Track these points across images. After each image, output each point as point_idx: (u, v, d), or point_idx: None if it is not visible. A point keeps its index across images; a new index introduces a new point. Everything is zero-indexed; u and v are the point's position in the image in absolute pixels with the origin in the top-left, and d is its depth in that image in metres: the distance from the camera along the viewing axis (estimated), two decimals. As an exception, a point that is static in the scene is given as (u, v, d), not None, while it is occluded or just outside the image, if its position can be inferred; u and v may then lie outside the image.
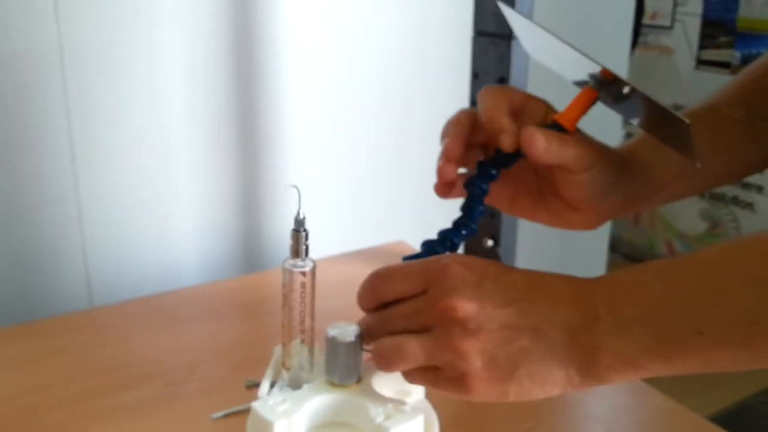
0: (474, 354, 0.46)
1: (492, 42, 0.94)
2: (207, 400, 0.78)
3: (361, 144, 1.27)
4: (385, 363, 0.49)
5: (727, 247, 0.46)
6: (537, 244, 1.47)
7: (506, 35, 0.93)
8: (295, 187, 0.51)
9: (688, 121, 0.51)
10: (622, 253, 3.28)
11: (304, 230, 0.50)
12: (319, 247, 1.22)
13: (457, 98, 1.04)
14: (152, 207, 1.10)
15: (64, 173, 1.02)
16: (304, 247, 0.50)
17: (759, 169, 0.69)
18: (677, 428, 0.78)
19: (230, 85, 1.12)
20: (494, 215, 1.04)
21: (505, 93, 0.60)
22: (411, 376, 0.50)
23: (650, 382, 0.83)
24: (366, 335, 0.51)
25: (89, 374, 0.83)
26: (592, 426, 0.78)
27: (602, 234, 1.83)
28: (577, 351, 0.46)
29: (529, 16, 0.59)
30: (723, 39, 2.84)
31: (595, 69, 0.57)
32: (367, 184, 1.29)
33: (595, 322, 0.46)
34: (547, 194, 0.62)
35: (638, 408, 0.81)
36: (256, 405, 0.48)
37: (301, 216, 0.51)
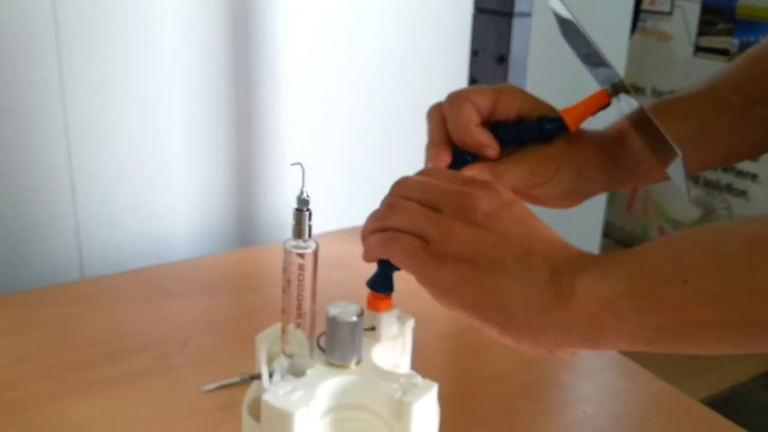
0: (465, 240, 0.46)
1: (492, 19, 0.93)
2: (198, 373, 0.78)
3: (359, 121, 1.26)
4: (377, 215, 0.50)
5: (729, 220, 0.46)
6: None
7: (507, 13, 0.92)
8: (300, 164, 0.48)
9: (680, 155, 0.52)
10: (614, 238, 3.29)
11: (308, 210, 0.48)
12: (316, 223, 1.22)
13: (456, 76, 1.04)
14: (145, 179, 1.09)
15: (58, 145, 1.01)
16: (307, 227, 0.48)
17: (753, 155, 0.68)
18: (669, 410, 0.78)
19: (227, 57, 1.10)
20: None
21: (471, 103, 0.58)
22: (387, 237, 0.49)
23: (643, 364, 0.83)
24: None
25: (78, 346, 0.83)
26: (585, 407, 0.78)
27: (595, 219, 1.83)
28: (553, 288, 0.45)
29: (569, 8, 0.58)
30: (722, 26, 2.83)
31: (616, 77, 0.58)
32: (364, 161, 1.28)
33: (582, 268, 0.45)
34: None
35: (631, 390, 0.81)
36: (268, 398, 0.45)
37: (305, 195, 0.47)
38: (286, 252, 0.48)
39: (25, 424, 0.70)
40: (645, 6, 3.08)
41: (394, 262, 0.50)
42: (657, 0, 3.06)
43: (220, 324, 0.89)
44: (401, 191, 0.51)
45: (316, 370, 0.50)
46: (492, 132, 0.59)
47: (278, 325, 0.51)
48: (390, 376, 0.48)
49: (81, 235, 1.06)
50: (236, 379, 0.52)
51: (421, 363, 0.84)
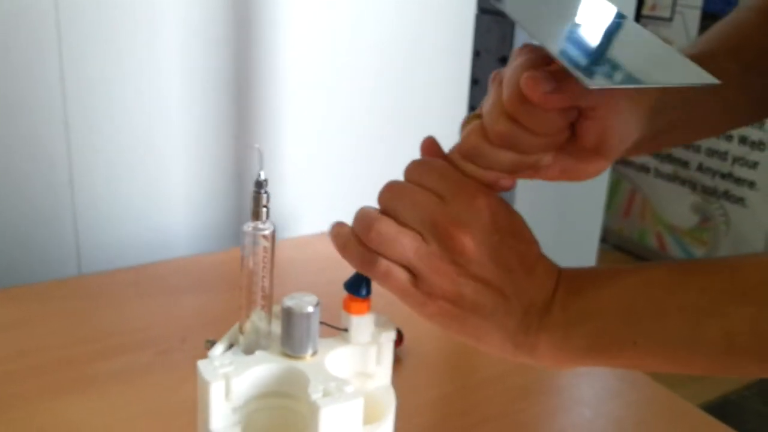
0: (450, 282, 0.48)
1: (495, 20, 0.93)
2: (196, 369, 0.77)
3: (360, 121, 1.26)
4: (372, 240, 0.49)
5: (677, 269, 0.48)
6: (531, 224, 1.46)
7: (510, 14, 0.91)
8: (258, 148, 0.50)
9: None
10: (612, 243, 3.29)
11: (265, 192, 0.50)
12: (313, 223, 1.22)
13: (458, 77, 1.04)
14: (145, 176, 1.09)
15: (57, 138, 1.01)
16: (264, 209, 0.50)
17: (744, 124, 0.70)
18: (667, 414, 0.78)
19: (228, 56, 1.10)
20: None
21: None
22: (383, 268, 0.49)
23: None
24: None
25: (76, 341, 0.82)
26: (582, 409, 0.77)
27: (594, 225, 1.83)
28: (524, 329, 0.49)
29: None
30: (722, 33, 2.84)
31: None
32: (364, 162, 1.28)
33: (548, 311, 0.49)
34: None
35: (628, 393, 0.81)
36: (201, 364, 0.47)
37: (262, 177, 0.50)
38: (245, 234, 0.50)
39: (22, 419, 0.70)
40: (645, 12, 3.09)
41: (382, 286, 0.51)
42: (658, 6, 3.07)
43: (218, 320, 0.88)
44: (390, 204, 0.51)
45: (265, 353, 0.50)
46: None
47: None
48: (326, 377, 0.47)
49: (79, 230, 1.05)
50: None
51: (418, 363, 0.85)
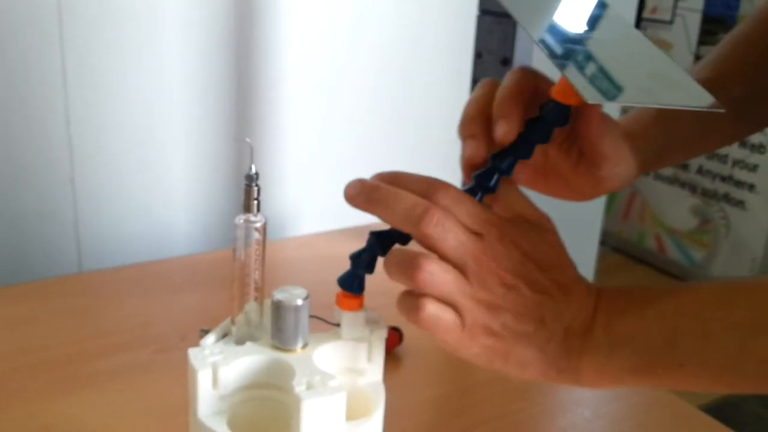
0: (491, 316, 0.48)
1: (497, 22, 0.94)
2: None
3: (360, 121, 1.26)
4: (419, 279, 0.47)
5: (720, 288, 0.48)
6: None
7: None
8: (248, 141, 0.51)
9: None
10: (611, 246, 3.29)
11: (256, 185, 0.51)
12: (313, 223, 1.22)
13: (459, 78, 1.04)
14: (146, 174, 1.09)
15: (59, 136, 1.01)
16: (255, 202, 0.51)
17: (738, 140, 0.71)
18: (667, 416, 0.78)
19: (228, 56, 1.10)
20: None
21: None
22: (431, 311, 0.48)
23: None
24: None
25: (76, 338, 0.82)
26: (581, 410, 0.78)
27: (593, 228, 1.83)
28: (565, 354, 0.49)
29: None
30: (723, 35, 2.84)
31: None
32: (365, 161, 1.28)
33: (589, 334, 0.49)
34: (563, 169, 0.60)
35: (629, 395, 0.81)
36: (191, 351, 0.48)
37: (253, 171, 0.51)
38: (237, 226, 0.50)
39: (22, 416, 0.70)
40: (646, 14, 3.09)
41: (426, 329, 0.49)
42: (658, 9, 3.07)
43: (218, 318, 0.88)
44: (432, 241, 0.48)
45: (255, 345, 0.50)
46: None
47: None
48: (312, 370, 0.48)
49: (80, 228, 1.06)
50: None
51: (418, 363, 0.85)
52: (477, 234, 0.48)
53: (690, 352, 0.46)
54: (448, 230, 0.47)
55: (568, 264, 0.51)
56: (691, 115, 0.61)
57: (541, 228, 0.51)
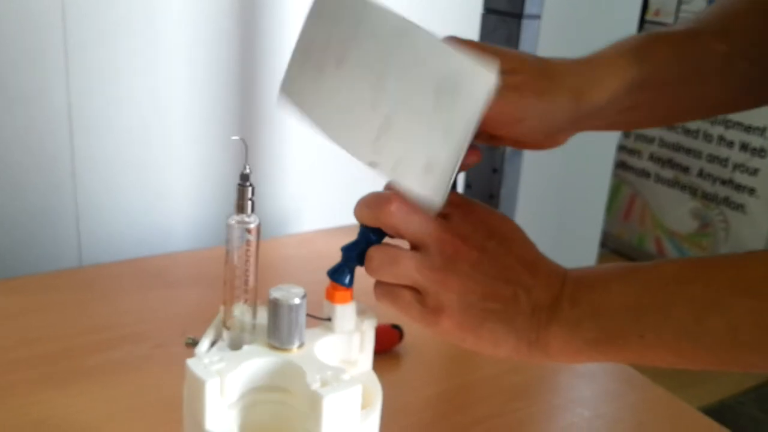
0: (458, 293, 0.50)
1: (502, 20, 0.93)
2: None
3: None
4: (373, 268, 0.51)
5: (684, 264, 0.50)
6: (532, 227, 1.46)
7: (516, 14, 0.92)
8: (242, 140, 0.50)
9: None
10: (611, 248, 3.29)
11: (250, 184, 0.50)
12: (314, 220, 1.22)
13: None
14: (147, 169, 1.09)
15: (60, 131, 1.01)
16: (249, 202, 0.50)
17: (729, 111, 0.71)
18: (665, 416, 0.78)
19: (232, 53, 1.10)
20: (492, 196, 1.03)
21: None
22: (388, 291, 0.52)
23: (640, 370, 0.83)
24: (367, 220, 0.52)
25: (76, 332, 0.82)
26: (581, 410, 0.77)
27: (594, 229, 1.83)
28: (534, 327, 0.50)
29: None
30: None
31: None
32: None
33: (557, 308, 0.50)
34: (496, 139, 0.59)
35: (627, 394, 0.81)
36: (190, 363, 0.46)
37: (247, 170, 0.50)
38: (230, 227, 0.50)
39: (20, 408, 0.70)
40: (649, 17, 3.09)
41: (396, 310, 0.52)
42: (661, 11, 3.07)
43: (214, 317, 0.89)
44: (390, 223, 0.51)
45: (253, 347, 0.50)
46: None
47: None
48: (321, 366, 0.48)
49: (80, 222, 1.05)
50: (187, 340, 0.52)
51: (417, 360, 0.84)
52: (442, 215, 0.50)
53: (650, 324, 0.47)
54: (410, 213, 0.50)
55: (530, 242, 0.52)
56: (670, 52, 0.60)
57: (502, 215, 0.53)
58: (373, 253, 0.51)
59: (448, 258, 0.50)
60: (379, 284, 0.52)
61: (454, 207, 0.51)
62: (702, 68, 0.63)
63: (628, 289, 0.49)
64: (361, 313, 0.53)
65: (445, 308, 0.50)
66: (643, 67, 0.58)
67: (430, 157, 0.48)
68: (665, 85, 0.61)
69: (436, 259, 0.50)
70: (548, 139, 0.59)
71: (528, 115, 0.54)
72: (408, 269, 0.50)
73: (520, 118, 0.54)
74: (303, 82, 0.55)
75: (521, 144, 0.60)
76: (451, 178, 0.48)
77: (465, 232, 0.50)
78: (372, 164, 0.50)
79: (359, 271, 0.52)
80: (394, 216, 0.50)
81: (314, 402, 0.45)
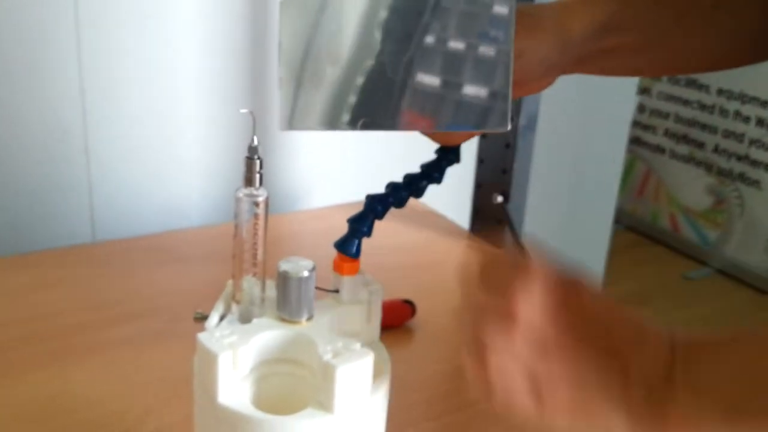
0: (569, 381, 0.46)
1: None
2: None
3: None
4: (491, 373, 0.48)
5: None
6: (546, 204, 1.46)
7: None
8: (251, 113, 0.50)
9: None
10: (624, 224, 3.28)
11: (258, 157, 0.49)
12: (326, 195, 1.22)
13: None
14: (160, 145, 1.09)
15: (73, 108, 1.01)
16: (257, 175, 0.49)
17: (713, 68, 0.69)
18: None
19: (244, 25, 1.10)
20: (505, 171, 1.02)
21: None
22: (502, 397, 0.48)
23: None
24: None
25: (89, 307, 0.83)
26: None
27: (607, 206, 1.82)
28: (647, 402, 0.46)
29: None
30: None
31: None
32: (378, 136, 1.28)
33: (670, 381, 0.46)
34: None
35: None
36: (202, 336, 0.47)
37: (255, 143, 0.50)
38: (238, 200, 0.49)
39: (34, 383, 0.70)
40: None
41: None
42: None
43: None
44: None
45: (263, 320, 0.50)
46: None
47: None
48: (331, 338, 0.48)
49: (94, 198, 1.06)
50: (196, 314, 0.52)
51: (429, 336, 0.84)
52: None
53: None
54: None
55: (632, 316, 0.48)
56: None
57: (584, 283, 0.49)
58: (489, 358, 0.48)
59: (549, 354, 0.47)
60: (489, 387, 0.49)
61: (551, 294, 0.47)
62: (685, 18, 0.62)
63: (743, 362, 0.46)
64: (368, 284, 0.53)
65: (560, 400, 0.47)
66: (623, 9, 0.59)
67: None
68: (644, 30, 0.60)
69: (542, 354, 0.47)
70: (541, 79, 0.60)
71: (523, 50, 0.55)
72: (520, 376, 0.47)
73: (518, 54, 0.55)
74: (307, 102, 0.55)
75: (517, 86, 0.57)
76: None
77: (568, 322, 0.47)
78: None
79: (366, 243, 0.52)
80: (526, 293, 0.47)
81: (327, 373, 0.45)
